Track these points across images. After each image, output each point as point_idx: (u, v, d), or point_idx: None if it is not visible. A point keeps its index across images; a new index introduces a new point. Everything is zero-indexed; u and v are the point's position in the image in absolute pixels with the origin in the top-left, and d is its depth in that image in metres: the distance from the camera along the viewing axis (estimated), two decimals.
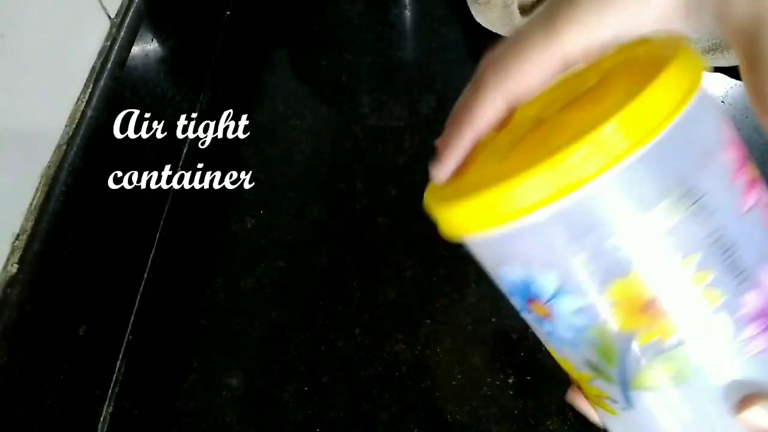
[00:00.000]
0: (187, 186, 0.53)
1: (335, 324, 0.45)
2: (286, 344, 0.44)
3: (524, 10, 0.62)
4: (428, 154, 0.57)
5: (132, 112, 0.46)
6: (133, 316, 0.46)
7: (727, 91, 0.56)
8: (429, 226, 0.23)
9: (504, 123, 0.24)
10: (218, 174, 0.54)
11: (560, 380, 0.41)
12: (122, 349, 0.44)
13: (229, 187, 0.53)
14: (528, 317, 0.24)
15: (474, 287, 0.45)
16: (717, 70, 0.57)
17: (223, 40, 0.63)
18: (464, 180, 0.24)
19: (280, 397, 0.42)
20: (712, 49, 0.57)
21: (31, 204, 0.36)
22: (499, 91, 0.23)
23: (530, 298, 0.23)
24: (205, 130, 0.57)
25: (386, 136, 0.55)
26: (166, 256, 0.49)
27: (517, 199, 0.20)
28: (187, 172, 0.54)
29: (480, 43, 0.60)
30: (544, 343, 0.25)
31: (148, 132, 0.49)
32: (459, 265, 0.47)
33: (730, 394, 0.22)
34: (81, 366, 0.40)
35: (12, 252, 0.35)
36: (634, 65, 0.23)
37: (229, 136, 0.56)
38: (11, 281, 0.34)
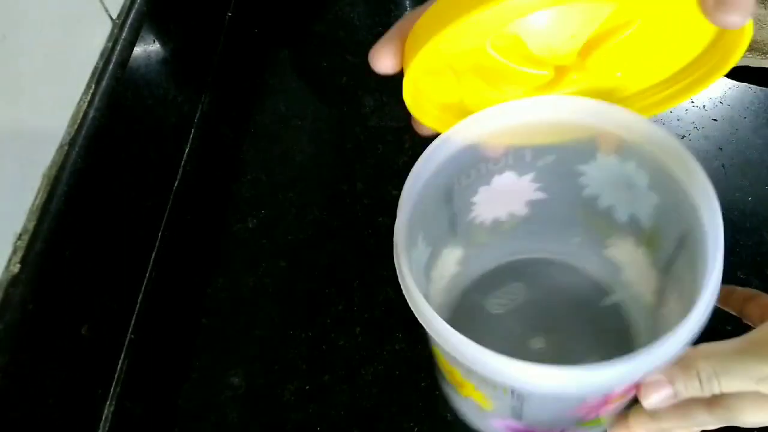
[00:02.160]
0: (188, 186, 0.53)
1: (336, 323, 0.45)
2: (287, 343, 0.45)
3: None
4: None
5: (134, 113, 0.46)
6: (135, 316, 0.46)
7: (726, 92, 0.56)
8: None
9: None
10: (220, 174, 0.54)
11: None
12: (124, 348, 0.44)
13: (231, 187, 0.53)
14: None
15: None
16: None
17: (224, 41, 0.63)
18: None
19: (282, 396, 0.42)
20: None
21: (33, 204, 0.37)
22: None
23: None
24: (207, 130, 0.57)
25: (387, 137, 0.55)
26: (168, 255, 0.49)
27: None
28: (189, 171, 0.54)
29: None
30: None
31: (149, 132, 0.49)
32: None
33: None
34: (83, 365, 0.40)
35: (14, 252, 0.35)
36: None
37: (231, 136, 0.56)
38: (13, 281, 0.34)
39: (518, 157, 0.35)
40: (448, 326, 0.26)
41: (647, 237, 0.36)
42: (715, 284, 0.27)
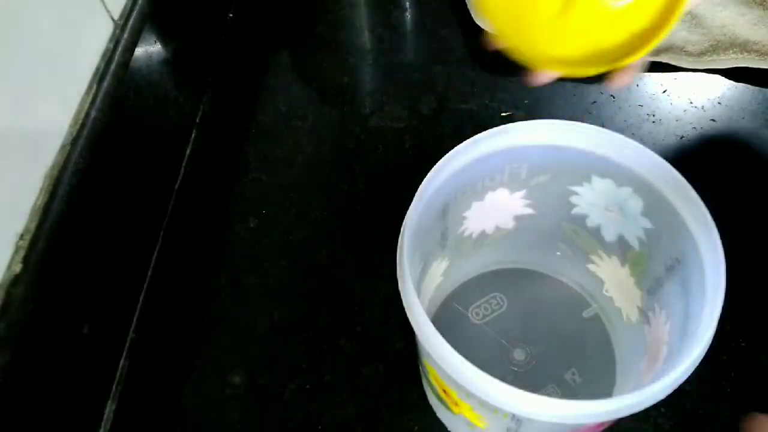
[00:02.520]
0: (190, 186, 0.53)
1: (337, 322, 0.45)
2: (288, 342, 0.45)
3: None
4: (428, 154, 0.57)
5: (135, 113, 0.46)
6: (136, 315, 0.46)
7: (724, 92, 0.56)
8: None
9: None
10: (221, 174, 0.54)
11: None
12: (126, 348, 0.45)
13: (232, 187, 0.53)
14: None
15: None
16: (713, 71, 0.57)
17: (225, 41, 0.64)
18: None
19: (283, 395, 0.42)
20: (710, 50, 0.57)
21: (35, 204, 0.37)
22: None
23: None
24: (208, 130, 0.57)
25: (387, 137, 0.55)
26: (169, 255, 0.49)
27: None
28: (190, 172, 0.54)
29: (480, 44, 0.60)
30: None
31: (150, 132, 0.49)
32: None
33: None
34: (84, 364, 0.40)
35: (16, 251, 0.35)
36: None
37: (232, 136, 0.57)
38: (15, 280, 0.34)
39: (514, 175, 0.36)
40: (460, 357, 0.26)
41: (634, 258, 0.37)
42: (716, 321, 0.27)
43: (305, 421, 0.41)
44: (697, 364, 0.27)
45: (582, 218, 0.38)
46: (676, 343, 0.30)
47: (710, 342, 0.27)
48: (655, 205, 0.33)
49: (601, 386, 0.40)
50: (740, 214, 0.49)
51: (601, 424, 0.30)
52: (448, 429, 0.39)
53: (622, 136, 0.32)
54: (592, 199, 0.36)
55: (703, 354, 0.27)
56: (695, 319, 0.28)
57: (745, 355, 0.42)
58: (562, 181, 0.36)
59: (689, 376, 0.26)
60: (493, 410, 0.29)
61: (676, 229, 0.31)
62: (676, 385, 0.26)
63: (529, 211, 0.39)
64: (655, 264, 0.35)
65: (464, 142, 0.32)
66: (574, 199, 0.37)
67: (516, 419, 0.29)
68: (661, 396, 0.26)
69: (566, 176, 0.36)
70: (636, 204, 0.34)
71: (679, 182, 0.31)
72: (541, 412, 0.26)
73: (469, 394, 0.28)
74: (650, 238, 0.35)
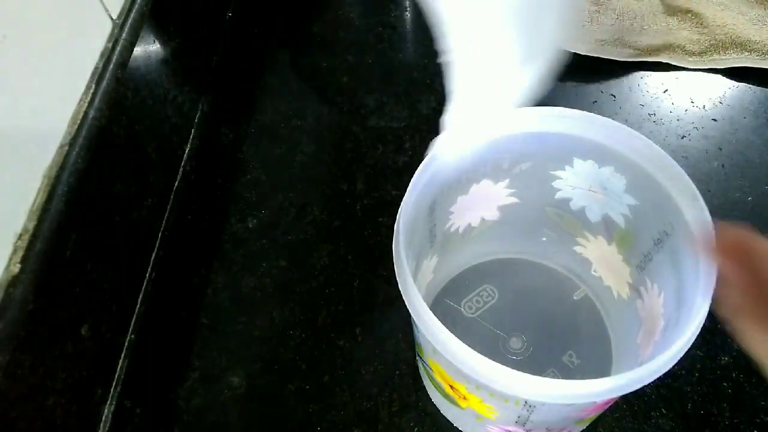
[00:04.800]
0: (188, 186, 0.53)
1: (336, 323, 0.45)
2: (287, 343, 0.45)
3: None
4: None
5: (134, 113, 0.46)
6: (135, 315, 0.46)
7: (725, 92, 0.56)
8: None
9: None
10: (220, 174, 0.54)
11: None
12: (124, 348, 0.44)
13: (231, 187, 0.53)
14: None
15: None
16: (714, 71, 0.57)
17: (224, 41, 0.63)
18: None
19: (282, 396, 0.42)
20: (711, 50, 0.57)
21: (33, 204, 0.37)
22: None
23: None
24: (207, 130, 0.57)
25: (387, 137, 0.55)
26: (168, 255, 0.49)
27: None
28: (189, 171, 0.54)
29: None
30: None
31: (149, 132, 0.49)
32: None
33: None
34: (83, 365, 0.40)
35: (14, 252, 0.35)
36: None
37: (231, 136, 0.56)
38: (13, 281, 0.34)
39: (496, 166, 0.36)
40: (473, 351, 0.26)
41: (620, 235, 0.37)
42: (713, 286, 0.27)
43: (304, 422, 0.41)
44: (703, 321, 0.27)
45: (566, 202, 0.38)
46: (672, 314, 0.30)
47: (710, 304, 0.27)
48: (637, 180, 0.33)
49: (599, 365, 0.41)
50: (741, 215, 0.48)
51: (607, 402, 0.30)
52: (455, 425, 0.39)
53: (598, 116, 0.32)
54: (574, 181, 0.36)
55: (706, 314, 0.27)
56: (691, 288, 0.28)
57: (746, 356, 0.42)
58: (544, 166, 0.36)
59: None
60: (505, 399, 0.28)
61: (661, 202, 0.31)
62: (688, 345, 0.26)
63: (513, 200, 0.39)
64: (642, 239, 0.35)
65: (448, 138, 0.32)
66: (557, 184, 0.37)
67: (528, 406, 0.29)
68: (678, 357, 0.26)
69: (548, 161, 0.36)
70: (618, 182, 0.34)
71: (659, 155, 0.31)
72: (559, 395, 0.25)
73: (479, 387, 0.28)
74: (635, 214, 0.35)
